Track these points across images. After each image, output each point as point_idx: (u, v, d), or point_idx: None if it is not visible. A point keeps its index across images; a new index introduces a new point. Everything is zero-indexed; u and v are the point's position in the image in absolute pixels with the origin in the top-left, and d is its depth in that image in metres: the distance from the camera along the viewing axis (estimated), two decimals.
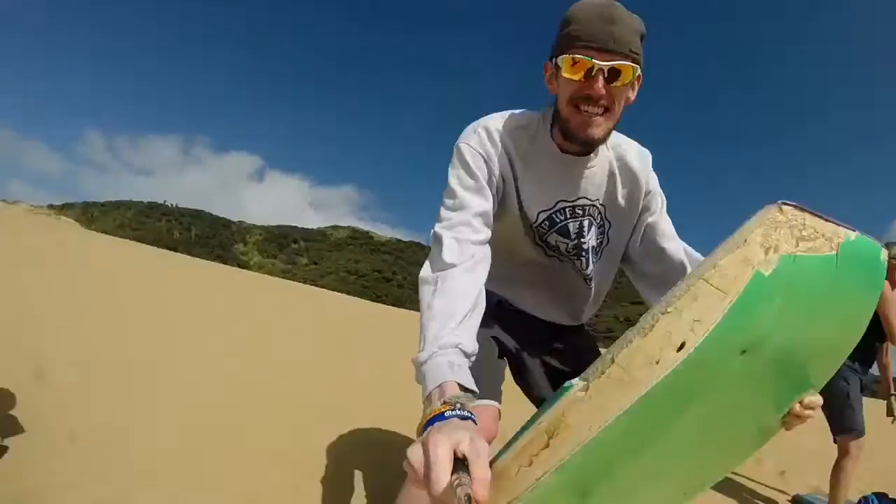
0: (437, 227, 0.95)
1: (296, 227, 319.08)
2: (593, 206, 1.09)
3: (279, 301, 11.79)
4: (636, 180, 1.10)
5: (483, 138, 1.02)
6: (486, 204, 0.99)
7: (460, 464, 0.52)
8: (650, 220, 1.13)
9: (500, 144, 1.02)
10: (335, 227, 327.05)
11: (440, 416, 0.63)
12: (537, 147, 1.04)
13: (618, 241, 1.17)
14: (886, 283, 2.55)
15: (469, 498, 0.47)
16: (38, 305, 4.19)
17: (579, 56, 0.88)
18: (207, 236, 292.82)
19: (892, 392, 2.83)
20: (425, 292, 0.86)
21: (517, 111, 1.07)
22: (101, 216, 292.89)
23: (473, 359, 0.80)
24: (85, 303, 4.87)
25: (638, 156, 1.10)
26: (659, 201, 1.14)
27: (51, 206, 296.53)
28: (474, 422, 0.63)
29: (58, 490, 1.55)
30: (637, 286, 1.20)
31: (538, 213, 1.08)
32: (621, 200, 1.11)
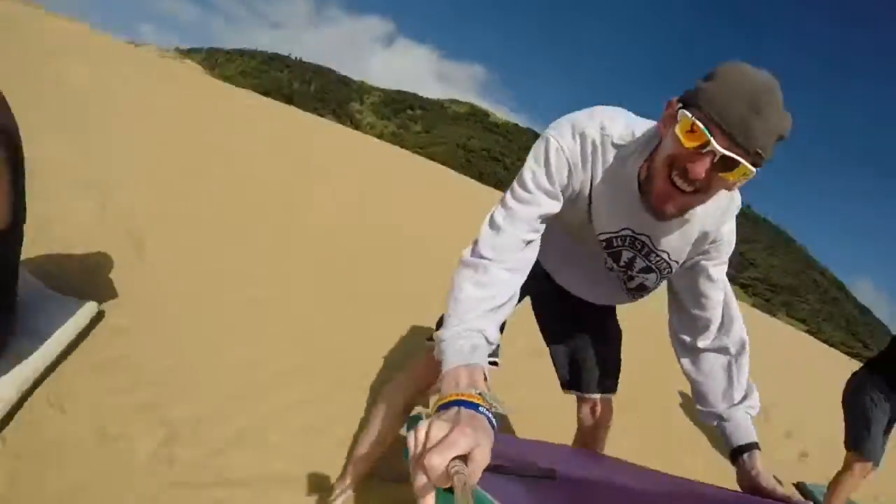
0: (497, 214, 0.96)
1: (416, 95, 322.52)
2: (656, 252, 1.07)
3: (378, 165, 12.55)
4: (709, 227, 1.04)
5: (576, 145, 0.98)
6: (553, 207, 0.99)
7: (459, 456, 0.54)
8: (704, 262, 1.09)
9: (590, 156, 0.99)
10: (454, 101, 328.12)
11: (474, 406, 0.66)
12: (623, 173, 0.98)
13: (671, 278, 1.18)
14: None
15: (467, 484, 0.50)
16: (143, 157, 4.05)
17: (700, 125, 0.78)
18: (326, 91, 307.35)
19: None
20: (463, 275, 0.90)
21: (623, 118, 0.99)
22: (224, 62, 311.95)
23: (494, 348, 0.85)
24: (187, 156, 4.86)
25: (728, 202, 1.03)
26: (723, 251, 1.09)
27: (177, 50, 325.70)
28: (494, 429, 0.66)
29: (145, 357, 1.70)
30: (669, 308, 1.21)
31: (600, 233, 1.09)
32: (687, 248, 1.07)
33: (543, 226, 1.00)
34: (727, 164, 0.80)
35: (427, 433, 0.57)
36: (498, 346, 0.96)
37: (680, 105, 0.85)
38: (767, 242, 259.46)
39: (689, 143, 0.80)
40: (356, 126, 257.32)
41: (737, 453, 1.07)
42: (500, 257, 0.91)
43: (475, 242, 0.94)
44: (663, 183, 0.88)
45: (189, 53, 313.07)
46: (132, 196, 2.99)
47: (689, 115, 0.80)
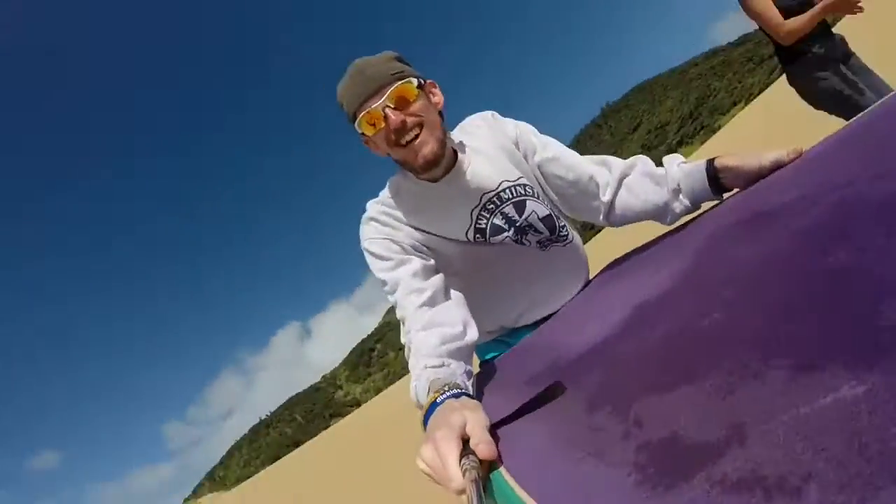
0: (396, 313, 1.07)
1: (364, 338, 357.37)
2: (501, 192, 1.17)
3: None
4: (499, 139, 1.22)
5: (375, 227, 1.14)
6: (414, 267, 1.07)
7: (467, 444, 0.58)
8: (536, 160, 1.24)
9: (390, 221, 1.14)
10: (388, 311, 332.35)
11: (433, 405, 0.71)
12: (418, 195, 1.15)
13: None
14: None
15: (476, 482, 0.51)
16: None
17: (363, 111, 1.02)
18: (311, 410, 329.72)
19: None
20: (408, 361, 0.96)
21: (384, 188, 1.20)
22: (227, 473, 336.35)
23: (455, 367, 0.88)
24: None
25: (479, 124, 1.25)
26: (529, 138, 1.25)
27: (186, 501, 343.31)
28: (469, 396, 0.73)
29: None
30: (569, 214, 1.31)
31: (466, 233, 1.15)
32: (510, 165, 1.20)
33: (429, 282, 1.06)
34: (398, 100, 1.03)
35: (423, 458, 0.60)
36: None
37: (357, 131, 1.08)
38: (649, 102, 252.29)
39: (373, 125, 1.04)
40: (357, 404, 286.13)
41: (714, 180, 1.09)
42: (416, 328, 0.98)
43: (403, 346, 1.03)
44: (404, 151, 1.06)
45: (198, 493, 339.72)
46: None
47: (357, 123, 1.05)
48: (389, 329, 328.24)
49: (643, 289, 0.94)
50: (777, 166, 0.99)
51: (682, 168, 1.15)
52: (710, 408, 0.45)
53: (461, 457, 0.56)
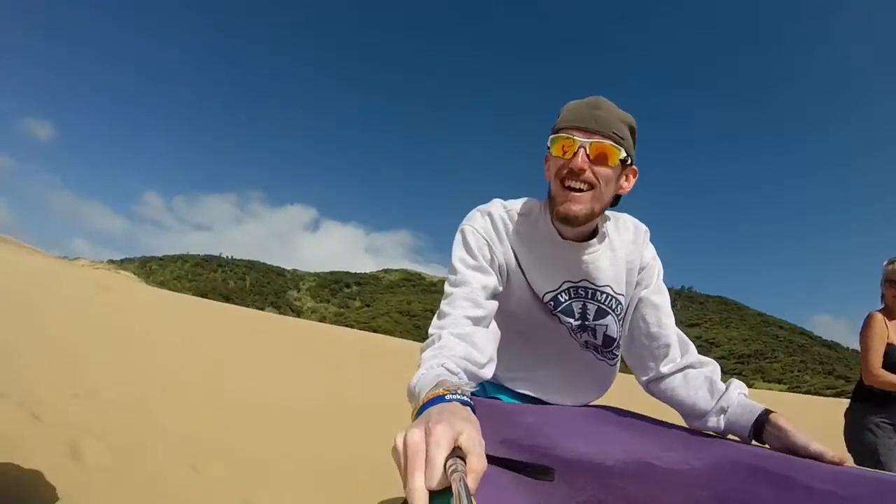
0: (442, 303, 1.12)
1: (349, 273, 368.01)
2: (600, 290, 1.23)
3: (325, 345, 15.30)
4: (632, 256, 1.25)
5: (486, 223, 1.21)
6: (487, 280, 1.15)
7: (454, 451, 0.56)
8: (643, 294, 1.27)
9: (502, 230, 1.21)
10: (387, 271, 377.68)
11: (440, 399, 0.71)
12: (539, 232, 1.21)
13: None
14: (873, 319, 2.70)
15: (465, 483, 0.50)
16: (93, 361, 5.08)
17: (563, 135, 1.08)
18: (262, 284, 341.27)
19: None
20: (423, 350, 0.99)
21: (521, 199, 1.26)
22: (158, 269, 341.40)
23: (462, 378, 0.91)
24: (138, 363, 5.84)
25: (634, 230, 1.27)
26: (654, 275, 1.28)
27: (110, 261, 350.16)
28: (473, 410, 0.70)
29: None
30: (624, 354, 1.35)
31: (544, 294, 1.23)
32: (623, 277, 1.25)
33: (488, 303, 1.13)
34: (599, 153, 1.07)
35: (405, 441, 0.58)
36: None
37: (547, 146, 1.13)
38: (721, 317, 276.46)
39: (562, 151, 1.09)
40: (298, 313, 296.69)
41: (759, 425, 1.09)
42: (453, 330, 1.02)
43: (429, 333, 1.06)
44: (562, 192, 1.10)
45: (122, 264, 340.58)
46: (70, 406, 3.43)
47: (552, 137, 1.11)
48: (374, 283, 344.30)
49: (651, 454, 0.98)
50: (818, 457, 1.00)
51: (740, 397, 1.16)
52: None
53: (448, 458, 0.55)
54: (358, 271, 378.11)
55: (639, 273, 1.27)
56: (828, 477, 0.88)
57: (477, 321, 1.09)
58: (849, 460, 1.02)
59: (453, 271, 1.16)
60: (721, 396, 1.16)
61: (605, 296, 1.24)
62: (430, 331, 1.06)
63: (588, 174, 1.08)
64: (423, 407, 0.71)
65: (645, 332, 1.27)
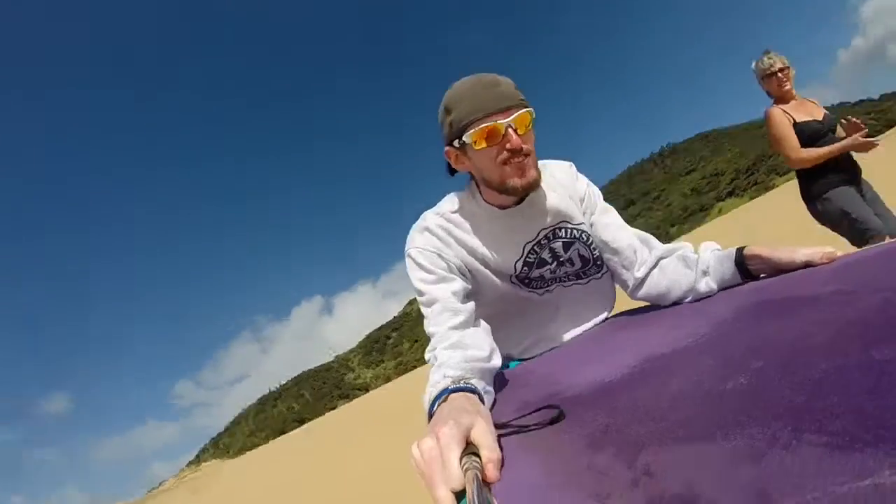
0: (425, 326, 1.22)
1: (382, 326, 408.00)
2: (556, 228, 1.38)
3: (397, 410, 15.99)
4: (569, 191, 1.42)
5: (427, 238, 1.32)
6: (454, 286, 1.25)
7: (468, 448, 0.62)
8: (593, 219, 1.44)
9: (444, 235, 1.32)
10: (412, 302, 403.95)
11: (444, 391, 0.84)
12: (480, 218, 1.35)
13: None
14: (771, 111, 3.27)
15: (479, 479, 0.56)
16: None
17: (485, 125, 1.17)
18: (320, 388, 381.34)
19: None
20: (430, 376, 1.04)
21: (445, 199, 1.40)
22: (230, 441, 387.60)
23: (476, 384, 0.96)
24: None
25: (561, 170, 1.46)
26: (594, 199, 1.46)
27: (189, 465, 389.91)
28: (480, 397, 0.82)
29: None
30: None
31: (514, 264, 1.36)
32: (573, 210, 1.41)
33: (464, 306, 1.22)
34: (523, 126, 1.21)
35: (421, 449, 0.64)
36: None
37: (458, 141, 1.24)
38: (710, 150, 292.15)
39: (495, 140, 1.20)
40: (364, 389, 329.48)
41: (742, 266, 1.20)
42: (444, 346, 1.12)
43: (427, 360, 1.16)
44: (509, 170, 1.23)
45: (200, 458, 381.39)
46: None
47: (473, 130, 1.19)
48: (407, 320, 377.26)
49: (657, 343, 1.02)
50: (808, 265, 1.07)
51: (714, 253, 1.27)
52: (733, 471, 0.49)
53: (462, 455, 0.60)
54: (388, 319, 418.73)
55: (582, 203, 1.45)
56: (827, 277, 0.95)
57: (461, 326, 1.17)
58: (838, 249, 1.08)
59: (419, 293, 1.27)
60: (697, 264, 1.27)
61: (564, 230, 1.40)
62: (426, 356, 1.16)
63: (522, 145, 1.21)
64: (432, 405, 0.86)
65: (609, 250, 1.43)
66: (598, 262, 1.47)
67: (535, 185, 1.26)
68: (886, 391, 0.49)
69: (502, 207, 1.34)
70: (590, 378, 0.98)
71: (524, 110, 1.20)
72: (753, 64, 3.48)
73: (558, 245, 1.40)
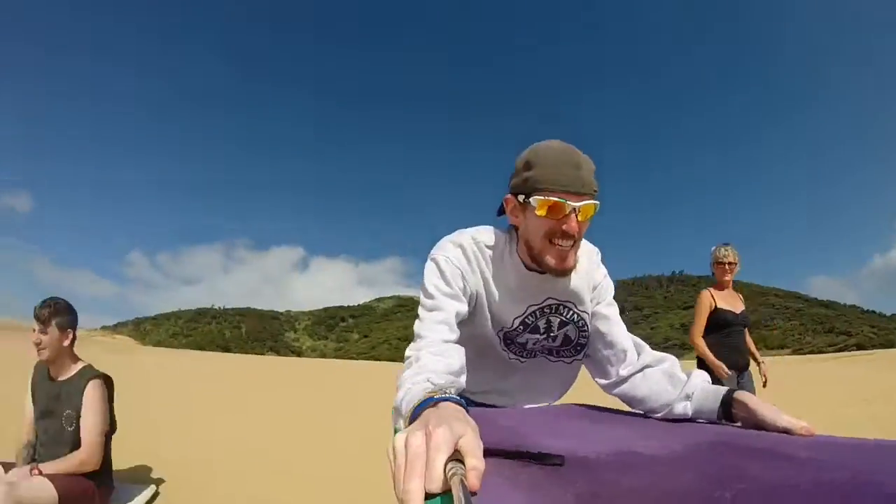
0: (417, 326, 1.29)
1: (343, 307, 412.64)
2: (561, 304, 1.48)
3: (326, 380, 16.67)
4: (588, 277, 1.50)
5: (458, 254, 1.40)
6: (460, 307, 1.34)
7: (454, 454, 0.62)
8: (597, 308, 1.52)
9: (473, 261, 1.41)
10: (380, 299, 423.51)
11: (429, 400, 0.83)
12: (506, 265, 1.43)
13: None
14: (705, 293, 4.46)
15: (464, 484, 0.55)
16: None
17: (555, 199, 1.24)
18: (258, 330, 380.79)
19: (761, 361, 4.40)
20: (402, 372, 1.11)
21: (485, 229, 1.48)
22: (153, 329, 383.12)
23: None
24: (151, 417, 6.92)
25: (587, 254, 1.52)
26: (606, 291, 1.54)
27: (104, 328, 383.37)
28: (465, 408, 0.81)
29: None
30: (585, 363, 1.62)
31: (513, 320, 1.47)
32: (585, 296, 1.50)
33: (456, 331, 1.30)
34: (586, 215, 1.28)
35: (406, 444, 0.64)
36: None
37: (523, 196, 1.31)
38: None
39: (557, 215, 1.26)
40: (297, 353, 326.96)
41: (727, 406, 1.24)
42: (430, 351, 1.18)
43: (405, 356, 1.21)
44: (552, 250, 1.32)
45: (116, 328, 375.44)
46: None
47: (542, 198, 1.25)
48: (368, 313, 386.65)
49: (630, 442, 1.07)
50: (786, 432, 1.10)
51: (702, 384, 1.33)
52: None
53: (448, 461, 0.60)
54: (352, 304, 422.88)
55: (593, 291, 1.53)
56: (803, 445, 0.97)
57: (451, 342, 1.26)
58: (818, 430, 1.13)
59: (428, 296, 1.34)
60: (684, 385, 1.33)
61: (566, 309, 1.50)
62: (408, 353, 1.21)
63: (577, 233, 1.29)
64: (417, 408, 0.85)
65: (602, 342, 1.52)
66: (578, 349, 1.59)
67: (567, 273, 1.40)
68: None
69: (528, 268, 1.44)
70: (563, 446, 1.01)
71: (592, 202, 1.28)
72: (712, 249, 4.46)
73: (556, 320, 1.52)
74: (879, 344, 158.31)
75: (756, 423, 1.17)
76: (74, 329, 2.98)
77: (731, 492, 0.74)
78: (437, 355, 1.18)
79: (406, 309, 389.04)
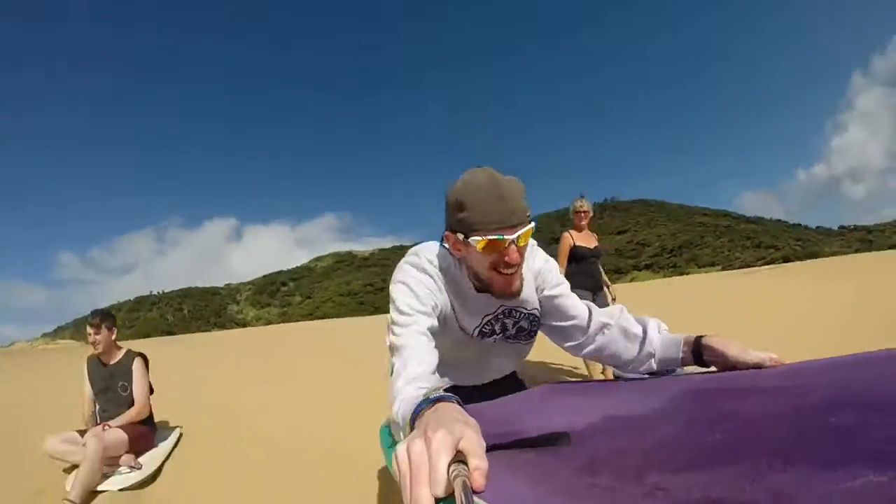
0: (395, 340, 1.34)
1: (282, 271, 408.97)
2: (513, 310, 1.60)
3: (271, 345, 15.57)
4: (530, 278, 1.61)
5: (425, 278, 1.49)
6: (431, 322, 1.40)
7: (456, 456, 0.63)
8: (546, 293, 1.63)
9: (436, 283, 1.50)
10: (318, 258, 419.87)
11: (425, 401, 0.87)
12: (460, 285, 1.53)
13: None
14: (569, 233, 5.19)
15: (466, 486, 0.57)
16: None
17: (492, 237, 1.30)
18: (200, 309, 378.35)
19: (609, 284, 5.48)
20: (393, 384, 1.18)
21: (433, 250, 1.56)
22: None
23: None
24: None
25: (526, 258, 1.56)
26: (548, 274, 1.64)
27: (44, 335, 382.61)
28: (460, 404, 0.86)
29: None
30: (549, 335, 1.72)
31: (472, 329, 1.59)
32: (533, 292, 1.62)
33: (433, 339, 1.37)
34: (525, 241, 1.34)
35: (408, 452, 0.65)
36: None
37: (461, 235, 1.36)
38: (646, 218, 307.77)
39: (495, 251, 1.34)
40: (243, 325, 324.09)
41: (697, 353, 1.36)
42: (411, 366, 1.23)
43: (391, 370, 1.27)
44: (499, 278, 1.41)
45: (57, 333, 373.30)
46: None
47: (479, 238, 1.31)
48: (307, 274, 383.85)
49: (612, 409, 1.10)
50: (756, 366, 1.19)
51: (662, 336, 1.47)
52: (745, 485, 0.56)
53: (451, 464, 0.61)
54: (293, 266, 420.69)
55: (536, 280, 1.63)
56: (776, 376, 1.03)
57: (429, 349, 1.33)
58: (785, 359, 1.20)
59: (403, 314, 1.40)
60: (643, 342, 1.48)
61: (518, 313, 1.62)
62: (394, 364, 1.28)
63: (519, 259, 1.35)
64: (415, 412, 0.88)
65: (560, 317, 1.63)
66: (532, 334, 1.73)
67: (516, 295, 1.52)
68: (851, 438, 0.62)
69: (479, 290, 1.54)
70: (551, 425, 1.02)
71: (527, 227, 1.34)
72: (572, 200, 5.37)
73: (509, 322, 1.64)
74: (805, 256, 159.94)
75: (727, 364, 1.27)
76: (116, 327, 4.30)
77: (719, 433, 0.76)
78: (421, 364, 1.24)
79: (345, 264, 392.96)
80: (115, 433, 3.80)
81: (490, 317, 1.61)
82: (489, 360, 1.79)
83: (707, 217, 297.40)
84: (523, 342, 1.77)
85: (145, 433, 4.16)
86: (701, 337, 1.37)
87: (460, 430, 0.67)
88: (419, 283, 1.47)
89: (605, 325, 1.57)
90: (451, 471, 0.61)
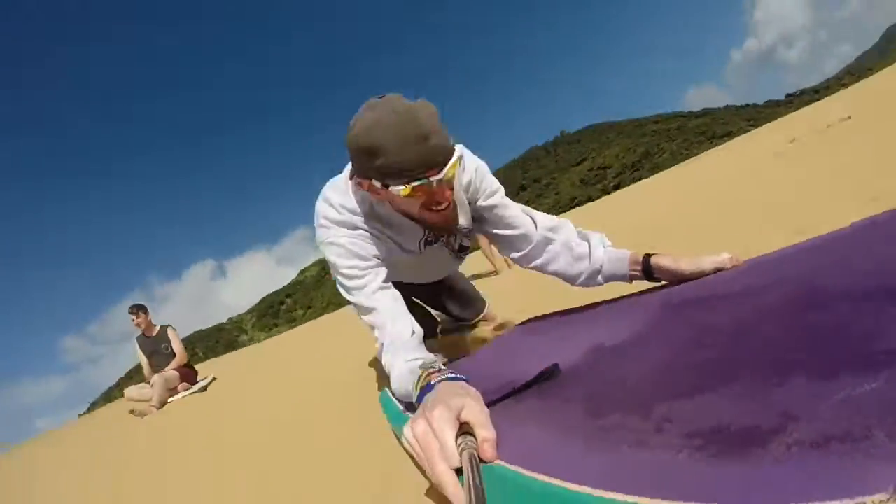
0: (357, 303, 1.33)
1: (276, 291, 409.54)
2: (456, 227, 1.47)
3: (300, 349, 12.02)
4: (461, 194, 1.47)
5: (355, 232, 1.36)
6: (380, 270, 1.36)
7: (462, 428, 0.63)
8: (480, 203, 1.52)
9: (368, 229, 1.37)
10: (303, 270, 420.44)
11: (429, 386, 0.83)
12: (391, 219, 1.39)
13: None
14: None
15: (473, 459, 0.56)
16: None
17: (418, 183, 1.13)
18: (212, 348, 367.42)
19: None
20: (382, 357, 1.21)
21: (342, 190, 1.38)
22: (120, 396, 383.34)
23: (429, 358, 1.08)
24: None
25: (465, 171, 1.47)
26: (480, 184, 1.50)
27: (81, 416, 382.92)
28: (462, 378, 0.83)
29: None
30: (495, 244, 1.65)
31: (416, 247, 1.52)
32: (467, 208, 1.52)
33: (391, 287, 1.37)
34: (450, 176, 1.16)
35: (414, 431, 0.66)
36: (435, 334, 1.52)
37: (377, 183, 1.17)
38: (599, 143, 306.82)
39: (421, 196, 1.17)
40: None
41: (647, 272, 1.33)
42: (384, 322, 1.25)
43: (373, 332, 1.29)
44: (432, 216, 1.25)
45: (92, 411, 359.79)
46: None
47: (401, 187, 1.14)
48: (301, 287, 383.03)
49: (593, 339, 1.07)
50: (718, 272, 1.14)
51: (607, 252, 1.40)
52: (750, 405, 0.54)
53: (458, 437, 0.62)
54: (283, 285, 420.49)
55: (468, 193, 1.49)
56: (737, 276, 1.00)
57: (395, 298, 1.31)
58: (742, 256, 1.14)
59: (351, 277, 1.32)
60: (589, 259, 1.43)
61: (457, 233, 1.57)
62: (373, 331, 1.29)
63: (448, 195, 1.22)
64: (419, 399, 0.87)
65: (500, 226, 1.54)
66: (466, 249, 1.72)
67: (454, 226, 1.37)
68: (836, 333, 0.60)
69: (410, 219, 1.32)
70: (540, 364, 0.99)
71: (452, 161, 1.15)
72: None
73: (452, 240, 1.62)
74: None
75: (681, 280, 1.25)
76: (148, 312, 6.40)
77: (706, 346, 0.76)
78: (395, 322, 1.24)
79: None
80: (170, 373, 5.95)
81: (426, 239, 1.55)
82: (434, 264, 1.76)
83: (658, 124, 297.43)
84: (462, 254, 1.77)
85: (189, 373, 6.34)
86: (649, 256, 1.33)
87: (458, 402, 0.69)
88: (353, 243, 1.34)
89: (549, 241, 1.52)
90: (458, 444, 0.62)
